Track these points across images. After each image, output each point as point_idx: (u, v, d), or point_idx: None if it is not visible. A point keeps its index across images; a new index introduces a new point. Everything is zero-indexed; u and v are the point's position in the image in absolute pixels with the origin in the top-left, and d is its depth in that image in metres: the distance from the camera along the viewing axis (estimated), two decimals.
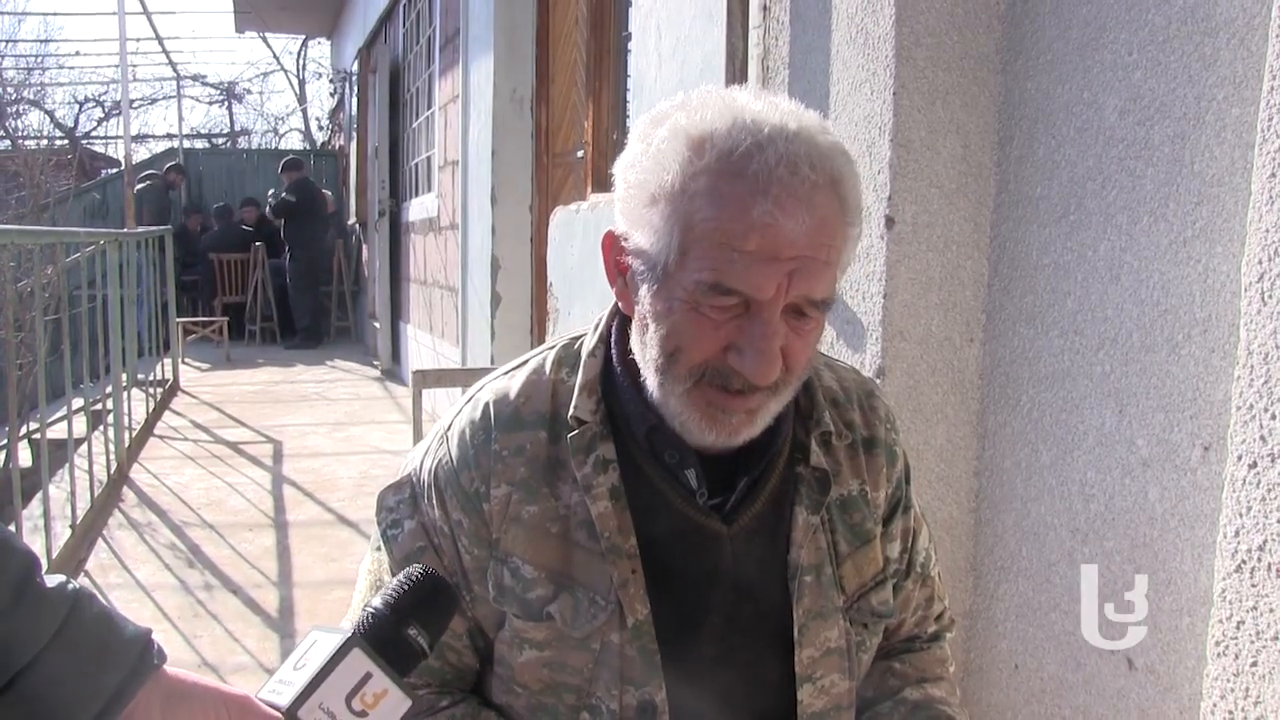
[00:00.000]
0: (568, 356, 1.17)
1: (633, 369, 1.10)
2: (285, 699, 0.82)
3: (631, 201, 1.03)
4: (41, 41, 20.75)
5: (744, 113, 0.99)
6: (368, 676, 0.83)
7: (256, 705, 0.82)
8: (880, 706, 1.24)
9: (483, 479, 1.11)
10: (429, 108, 7.82)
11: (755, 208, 0.94)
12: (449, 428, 1.16)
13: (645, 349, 1.04)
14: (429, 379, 3.45)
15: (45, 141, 16.53)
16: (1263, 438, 1.17)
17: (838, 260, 1.00)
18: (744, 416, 1.03)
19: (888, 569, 1.22)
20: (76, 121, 20.30)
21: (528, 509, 1.11)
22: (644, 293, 1.03)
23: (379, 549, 1.18)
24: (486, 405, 1.15)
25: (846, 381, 1.25)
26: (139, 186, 11.79)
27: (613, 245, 1.07)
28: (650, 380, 1.05)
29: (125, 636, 0.82)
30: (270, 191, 11.61)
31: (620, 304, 1.12)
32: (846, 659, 1.17)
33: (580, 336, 1.19)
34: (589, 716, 1.12)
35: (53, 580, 0.81)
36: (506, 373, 1.19)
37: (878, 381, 1.77)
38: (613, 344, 1.15)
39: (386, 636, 0.86)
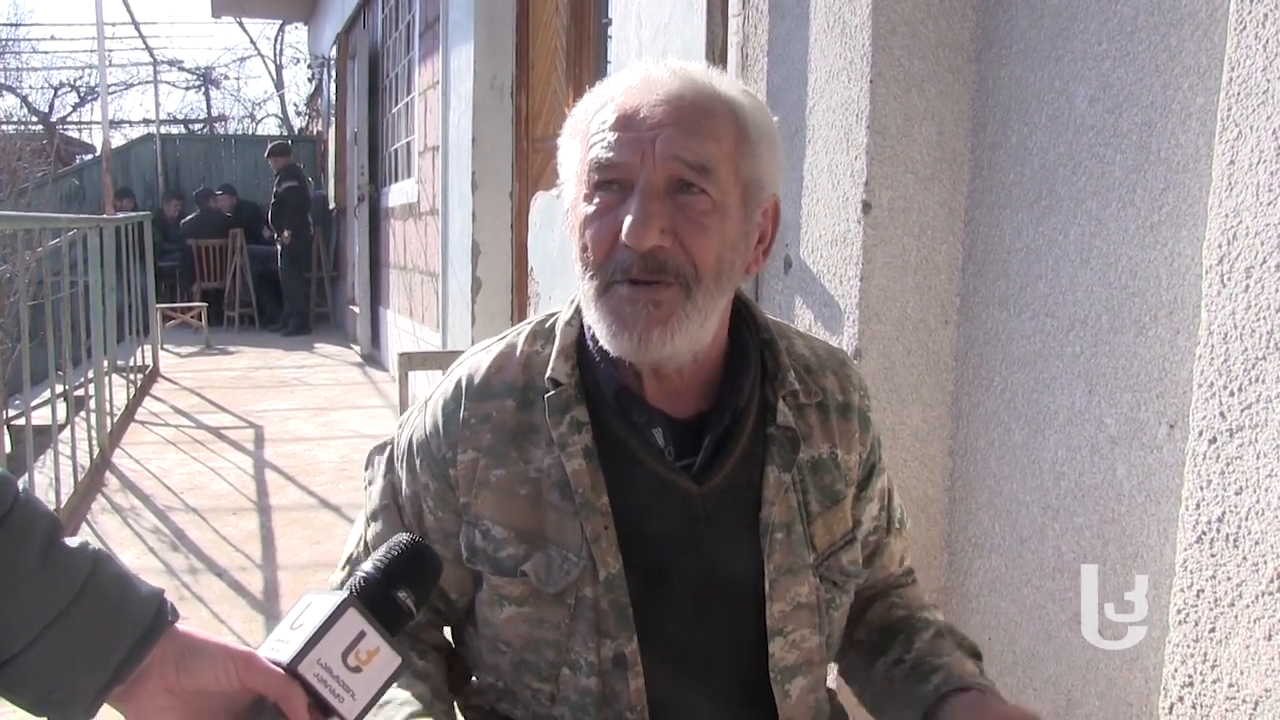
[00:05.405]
0: (542, 331, 1.24)
1: None
2: (286, 655, 0.85)
3: (562, 168, 1.18)
4: (12, 25, 20.54)
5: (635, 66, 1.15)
6: (361, 635, 0.86)
7: (260, 660, 0.86)
8: (900, 625, 1.31)
9: (450, 446, 1.18)
10: (409, 93, 7.79)
11: (615, 97, 1.12)
12: (429, 399, 1.25)
13: (580, 280, 1.13)
14: (414, 361, 3.48)
15: (21, 127, 16.39)
16: (1221, 414, 1.21)
17: (711, 138, 1.08)
18: (652, 310, 1.07)
19: (857, 530, 1.28)
20: (51, 107, 20.13)
21: (495, 472, 1.17)
22: (573, 223, 1.14)
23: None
24: (460, 379, 1.22)
25: (820, 350, 1.31)
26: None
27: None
28: (583, 304, 1.14)
29: (141, 595, 0.86)
30: (275, 192, 11.02)
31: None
32: (817, 614, 1.21)
33: (555, 314, 1.26)
34: (569, 672, 1.16)
35: (74, 542, 0.85)
36: (485, 348, 1.26)
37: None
38: (585, 317, 1.21)
39: (377, 598, 0.90)
